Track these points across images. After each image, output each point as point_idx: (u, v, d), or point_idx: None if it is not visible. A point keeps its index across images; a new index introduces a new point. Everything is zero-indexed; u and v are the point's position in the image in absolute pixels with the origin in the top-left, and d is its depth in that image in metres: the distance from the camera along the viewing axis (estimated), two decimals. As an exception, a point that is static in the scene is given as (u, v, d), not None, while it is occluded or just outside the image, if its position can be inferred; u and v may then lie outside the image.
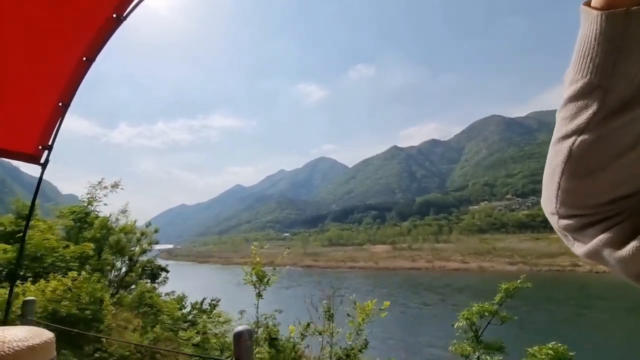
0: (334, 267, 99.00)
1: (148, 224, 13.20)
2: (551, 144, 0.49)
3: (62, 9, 2.21)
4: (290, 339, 5.82)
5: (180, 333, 7.76)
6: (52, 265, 8.05)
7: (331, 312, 5.95)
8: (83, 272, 7.12)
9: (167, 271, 12.33)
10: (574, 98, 0.45)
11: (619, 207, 0.46)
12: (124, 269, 11.06)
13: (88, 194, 11.11)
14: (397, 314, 32.06)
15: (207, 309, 10.18)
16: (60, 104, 2.71)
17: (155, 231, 12.90)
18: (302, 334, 5.82)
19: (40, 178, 2.98)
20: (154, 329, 7.54)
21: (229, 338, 7.17)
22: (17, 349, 1.17)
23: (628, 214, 0.46)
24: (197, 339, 7.39)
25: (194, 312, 9.99)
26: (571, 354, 4.60)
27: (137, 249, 11.77)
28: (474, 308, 5.98)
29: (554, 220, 0.52)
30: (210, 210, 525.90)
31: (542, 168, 0.51)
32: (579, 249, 0.51)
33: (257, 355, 5.39)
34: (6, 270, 7.56)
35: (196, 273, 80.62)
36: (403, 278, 67.81)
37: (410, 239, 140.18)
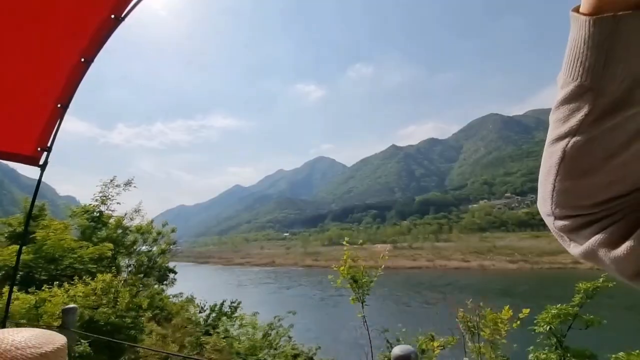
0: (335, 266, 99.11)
1: (165, 224, 12.83)
2: (545, 145, 0.50)
3: (60, 10, 2.19)
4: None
5: (204, 338, 7.41)
6: (70, 267, 7.75)
7: (472, 326, 5.00)
8: (109, 275, 6.70)
9: (175, 272, 11.98)
10: (566, 101, 0.46)
11: (613, 207, 0.46)
12: (134, 269, 10.70)
13: (100, 192, 10.75)
14: (399, 313, 32.12)
15: (228, 311, 9.78)
16: (58, 105, 2.69)
17: (172, 231, 12.58)
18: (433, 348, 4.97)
19: (39, 180, 2.96)
20: (177, 335, 7.17)
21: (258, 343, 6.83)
22: (30, 356, 1.15)
23: (623, 214, 0.46)
24: (223, 343, 7.02)
25: (213, 314, 9.63)
26: None
27: (156, 249, 11.37)
28: (553, 311, 5.29)
29: (549, 221, 0.52)
30: (210, 211, 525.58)
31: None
32: (575, 249, 0.51)
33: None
34: (23, 273, 7.23)
35: (197, 274, 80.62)
36: (404, 277, 67.82)
37: (410, 238, 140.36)
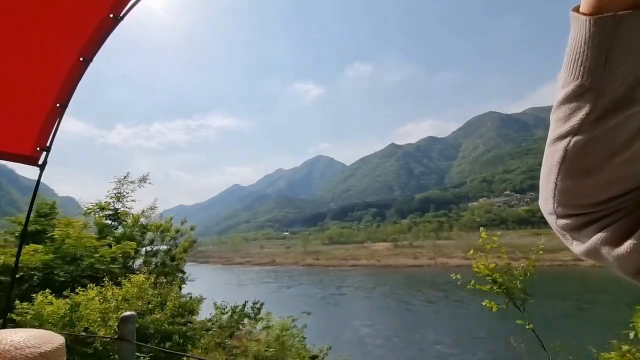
0: (336, 265, 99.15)
1: (184, 221, 12.34)
2: (547, 145, 0.50)
3: (58, 9, 2.18)
4: None
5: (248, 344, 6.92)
6: (91, 267, 7.33)
7: None
8: (141, 276, 6.15)
9: (183, 272, 11.31)
10: (566, 100, 0.46)
11: (615, 205, 0.46)
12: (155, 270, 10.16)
13: (115, 189, 10.36)
14: (401, 312, 32.11)
15: (251, 313, 9.30)
16: (57, 105, 2.67)
17: (192, 229, 12.09)
18: None
19: (39, 180, 2.94)
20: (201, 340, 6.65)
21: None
22: (30, 356, 1.16)
23: (625, 212, 0.46)
24: (255, 348, 6.64)
25: (235, 316, 9.17)
26: None
27: (179, 248, 10.94)
28: None
29: (552, 220, 0.53)
30: (209, 211, 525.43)
31: (540, 164, 0.51)
32: (578, 247, 0.51)
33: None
34: (41, 275, 6.83)
35: (198, 273, 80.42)
36: (405, 275, 67.91)
37: (410, 236, 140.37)
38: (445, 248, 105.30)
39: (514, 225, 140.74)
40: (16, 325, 4.71)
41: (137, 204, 11.18)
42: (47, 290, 5.31)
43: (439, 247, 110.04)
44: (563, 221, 0.51)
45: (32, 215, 9.03)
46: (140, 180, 10.78)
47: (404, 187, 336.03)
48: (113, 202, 10.26)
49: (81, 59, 2.53)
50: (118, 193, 10.35)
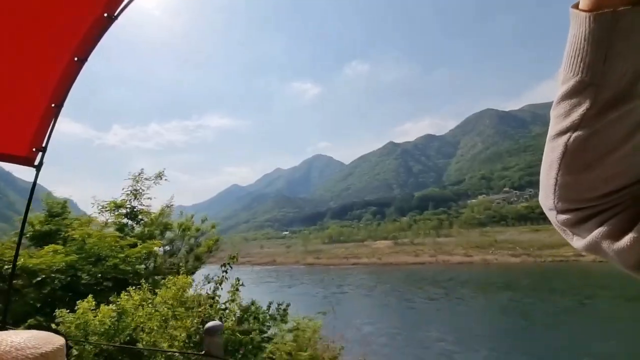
0: (337, 264, 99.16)
1: (204, 219, 11.93)
2: (547, 140, 0.50)
3: (51, 8, 2.15)
4: None
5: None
6: (115, 268, 6.91)
7: None
8: (182, 277, 5.60)
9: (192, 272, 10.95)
10: (566, 96, 0.46)
11: (615, 199, 0.47)
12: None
13: (130, 186, 9.98)
14: (403, 309, 32.12)
15: (276, 315, 8.69)
16: (52, 105, 2.65)
17: (212, 227, 11.68)
18: None
19: (35, 180, 2.92)
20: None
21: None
22: (30, 356, 1.17)
23: (625, 206, 0.46)
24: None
25: (260, 318, 8.76)
26: None
27: (202, 247, 10.54)
28: None
29: (552, 216, 0.53)
30: (208, 211, 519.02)
31: (538, 160, 0.52)
32: (578, 242, 0.52)
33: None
34: (64, 277, 6.45)
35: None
36: (406, 273, 67.90)
37: (411, 234, 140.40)
38: (445, 245, 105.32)
39: (513, 222, 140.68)
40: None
41: (167, 199, 10.93)
42: (69, 294, 5.01)
43: (439, 244, 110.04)
44: (563, 216, 0.51)
45: (42, 215, 8.82)
46: (156, 177, 10.48)
47: (403, 185, 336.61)
48: (130, 199, 9.85)
49: (76, 58, 2.50)
50: (135, 190, 9.91)
